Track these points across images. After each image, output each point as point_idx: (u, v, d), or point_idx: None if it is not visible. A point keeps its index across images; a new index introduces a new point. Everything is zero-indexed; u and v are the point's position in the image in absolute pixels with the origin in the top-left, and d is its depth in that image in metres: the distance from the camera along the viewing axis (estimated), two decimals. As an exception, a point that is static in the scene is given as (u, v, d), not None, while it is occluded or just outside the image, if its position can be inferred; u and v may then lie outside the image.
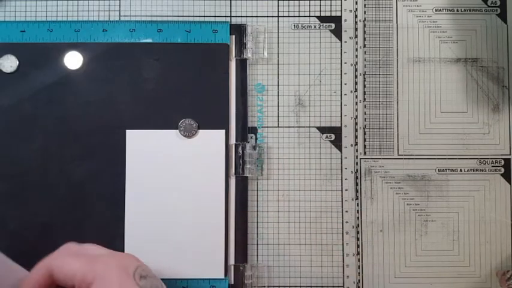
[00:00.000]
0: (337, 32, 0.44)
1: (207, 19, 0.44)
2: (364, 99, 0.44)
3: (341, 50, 0.44)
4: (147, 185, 0.42)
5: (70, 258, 0.32)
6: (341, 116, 0.44)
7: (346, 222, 0.43)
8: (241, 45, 0.43)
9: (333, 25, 0.44)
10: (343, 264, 0.43)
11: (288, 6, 0.44)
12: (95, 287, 0.30)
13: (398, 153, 0.43)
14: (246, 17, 0.44)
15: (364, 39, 0.44)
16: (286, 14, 0.44)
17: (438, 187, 0.43)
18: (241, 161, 0.42)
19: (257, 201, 0.43)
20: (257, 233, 0.43)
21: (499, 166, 0.43)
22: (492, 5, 0.44)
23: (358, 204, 0.43)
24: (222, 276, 0.42)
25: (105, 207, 0.42)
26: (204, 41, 0.43)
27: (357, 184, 0.43)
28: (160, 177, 0.42)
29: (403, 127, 0.44)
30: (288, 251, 0.43)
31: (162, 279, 0.41)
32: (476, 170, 0.43)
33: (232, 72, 0.43)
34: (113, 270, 0.31)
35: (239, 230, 0.42)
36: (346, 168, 0.43)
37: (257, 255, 0.43)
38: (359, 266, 0.43)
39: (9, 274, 0.34)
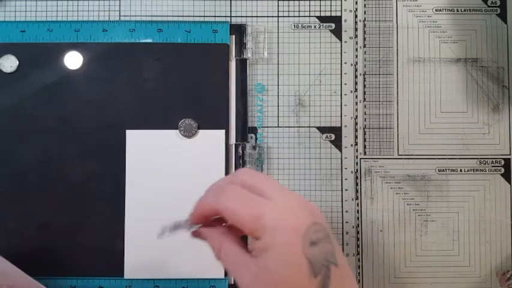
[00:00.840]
0: (337, 32, 0.44)
1: (207, 19, 0.44)
2: (364, 99, 0.44)
3: (341, 50, 0.44)
4: (147, 184, 0.42)
5: (238, 203, 0.27)
6: (341, 116, 0.44)
7: (346, 222, 0.43)
8: (241, 45, 0.43)
9: (333, 25, 0.44)
10: (343, 264, 0.43)
11: (288, 6, 0.44)
12: (261, 245, 0.25)
13: (398, 153, 0.43)
14: (246, 17, 0.44)
15: (364, 39, 0.44)
16: (286, 14, 0.44)
17: (438, 187, 0.43)
18: (241, 161, 0.42)
19: (257, 201, 0.43)
20: (257, 233, 0.43)
21: (499, 166, 0.43)
22: (492, 5, 0.44)
23: (358, 204, 0.43)
24: (222, 276, 0.42)
25: (105, 207, 0.42)
26: (204, 41, 0.43)
27: (357, 184, 0.43)
28: (160, 177, 0.42)
29: (403, 127, 0.44)
30: (288, 251, 0.43)
31: (162, 279, 0.42)
32: (476, 170, 0.43)
33: (232, 72, 0.43)
34: (282, 232, 0.25)
35: (239, 230, 0.42)
36: (346, 168, 0.43)
37: (257, 255, 0.43)
38: (359, 266, 0.43)
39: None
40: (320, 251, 0.25)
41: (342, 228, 0.43)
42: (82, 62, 0.42)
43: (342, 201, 0.43)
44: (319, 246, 0.25)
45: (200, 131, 0.42)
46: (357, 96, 0.44)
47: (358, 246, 0.43)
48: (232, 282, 0.42)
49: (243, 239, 0.29)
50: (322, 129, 0.43)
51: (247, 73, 0.43)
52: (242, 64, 0.43)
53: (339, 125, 0.44)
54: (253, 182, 0.28)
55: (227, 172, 0.42)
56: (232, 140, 0.43)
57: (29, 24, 0.43)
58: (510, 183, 0.43)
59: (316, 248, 0.25)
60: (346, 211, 0.43)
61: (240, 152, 0.42)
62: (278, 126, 0.43)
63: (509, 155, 0.43)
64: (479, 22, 0.44)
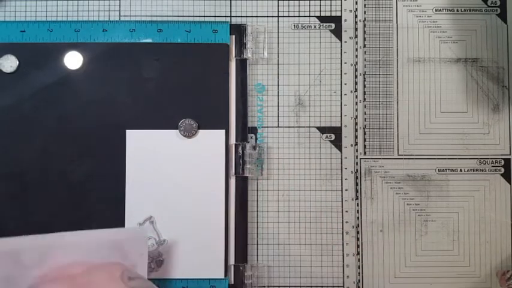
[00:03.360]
0: (337, 32, 0.44)
1: (207, 19, 0.44)
2: (364, 99, 0.44)
3: (341, 50, 0.44)
4: (147, 185, 0.42)
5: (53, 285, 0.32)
6: (341, 116, 0.44)
7: (346, 222, 0.43)
8: (241, 45, 0.43)
9: (333, 25, 0.44)
10: (343, 264, 0.43)
11: (288, 6, 0.44)
12: None
13: (398, 153, 0.43)
14: (246, 17, 0.44)
15: (364, 39, 0.44)
16: (286, 14, 0.44)
17: (438, 187, 0.43)
18: (241, 161, 0.42)
19: (257, 201, 0.43)
20: (257, 233, 0.43)
21: (499, 166, 0.43)
22: (492, 5, 0.44)
23: (358, 204, 0.43)
24: (222, 276, 0.42)
25: (105, 207, 0.42)
26: (204, 41, 0.43)
27: (357, 184, 0.43)
28: (160, 177, 0.42)
29: (403, 127, 0.44)
30: (288, 251, 0.43)
31: (162, 279, 0.42)
32: (476, 170, 0.43)
33: (232, 72, 0.43)
34: (99, 282, 0.31)
35: (239, 230, 0.42)
36: (346, 168, 0.43)
37: (257, 255, 0.43)
38: (359, 266, 0.43)
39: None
40: (139, 283, 0.32)
41: (342, 228, 0.43)
42: (82, 62, 0.42)
43: (342, 201, 0.43)
44: (136, 280, 0.32)
45: (200, 131, 0.42)
46: (357, 96, 0.44)
47: (358, 246, 0.43)
48: (233, 282, 0.42)
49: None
50: (322, 129, 0.43)
51: (247, 73, 0.43)
52: (242, 64, 0.43)
53: (339, 125, 0.44)
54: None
55: (227, 172, 0.42)
56: (232, 140, 0.43)
57: (29, 24, 0.43)
58: (510, 183, 0.43)
59: (134, 282, 0.31)
60: (346, 211, 0.43)
61: (240, 152, 0.42)
62: (278, 126, 0.43)
63: (509, 155, 0.43)
64: (479, 22, 0.44)
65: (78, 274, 0.32)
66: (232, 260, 0.42)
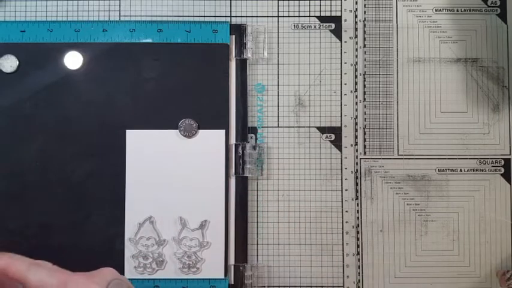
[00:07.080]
0: (337, 32, 0.44)
1: (207, 19, 0.44)
2: (364, 99, 0.44)
3: (341, 50, 0.44)
4: (147, 185, 0.42)
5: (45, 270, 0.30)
6: (341, 116, 0.44)
7: (346, 222, 0.43)
8: (241, 45, 0.43)
9: (333, 25, 0.44)
10: (343, 264, 0.43)
11: (288, 6, 0.44)
12: None
13: (398, 153, 0.43)
14: (246, 17, 0.44)
15: (364, 39, 0.44)
16: (286, 14, 0.44)
17: (438, 187, 0.43)
18: (241, 161, 0.42)
19: (257, 201, 0.43)
20: (257, 233, 0.43)
21: (499, 166, 0.43)
22: (492, 5, 0.44)
23: (358, 204, 0.43)
24: (222, 276, 0.42)
25: (105, 207, 0.42)
26: (204, 41, 0.43)
27: (357, 184, 0.43)
28: (160, 177, 0.42)
29: (403, 127, 0.44)
30: (288, 251, 0.43)
31: (162, 279, 0.42)
32: (476, 170, 0.43)
33: (232, 72, 0.43)
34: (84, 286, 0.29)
35: (239, 230, 0.42)
36: (346, 168, 0.43)
37: (257, 255, 0.43)
38: (359, 266, 0.43)
39: None
40: None
41: (342, 228, 0.43)
42: (82, 62, 0.42)
43: (342, 201, 0.43)
44: None
45: (200, 131, 0.42)
46: (357, 96, 0.44)
47: (358, 246, 0.43)
48: (233, 282, 0.42)
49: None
50: (322, 129, 0.43)
51: (247, 73, 0.43)
52: (242, 64, 0.43)
53: (339, 125, 0.44)
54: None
55: (227, 172, 0.42)
56: (232, 140, 0.43)
57: (29, 24, 0.43)
58: (510, 183, 0.43)
59: None
60: (346, 211, 0.43)
61: (240, 152, 0.42)
62: (278, 126, 0.43)
63: (509, 155, 0.43)
64: (479, 22, 0.44)
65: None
66: (232, 260, 0.42)
